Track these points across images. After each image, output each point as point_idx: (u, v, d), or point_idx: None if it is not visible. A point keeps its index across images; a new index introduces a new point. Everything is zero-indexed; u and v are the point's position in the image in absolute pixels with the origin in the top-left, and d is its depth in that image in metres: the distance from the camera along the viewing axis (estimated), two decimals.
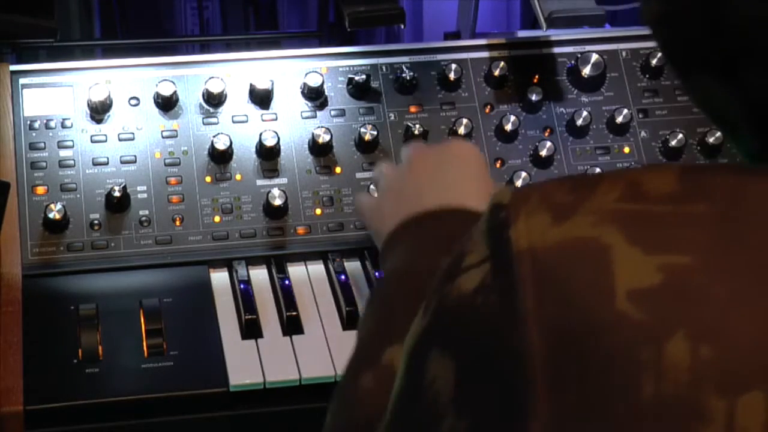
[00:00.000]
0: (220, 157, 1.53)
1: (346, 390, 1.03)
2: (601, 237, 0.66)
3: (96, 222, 1.48)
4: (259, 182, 1.53)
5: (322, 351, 1.38)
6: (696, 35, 0.72)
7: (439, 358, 0.71)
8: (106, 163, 1.52)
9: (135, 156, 1.53)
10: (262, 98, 1.58)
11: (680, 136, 1.62)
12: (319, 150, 1.55)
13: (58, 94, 1.56)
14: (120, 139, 1.53)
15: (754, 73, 0.70)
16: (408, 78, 1.61)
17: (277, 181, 1.54)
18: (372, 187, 1.51)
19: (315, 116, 1.59)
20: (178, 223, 1.49)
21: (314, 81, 1.58)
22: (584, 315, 0.65)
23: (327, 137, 1.55)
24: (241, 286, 1.44)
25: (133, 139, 1.54)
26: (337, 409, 1.03)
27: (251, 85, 1.58)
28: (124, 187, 1.48)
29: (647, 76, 1.68)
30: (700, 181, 0.68)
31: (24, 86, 1.56)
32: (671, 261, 0.64)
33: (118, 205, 1.48)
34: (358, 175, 1.56)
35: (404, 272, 1.14)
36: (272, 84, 1.59)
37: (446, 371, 0.71)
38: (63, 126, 1.53)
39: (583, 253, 0.66)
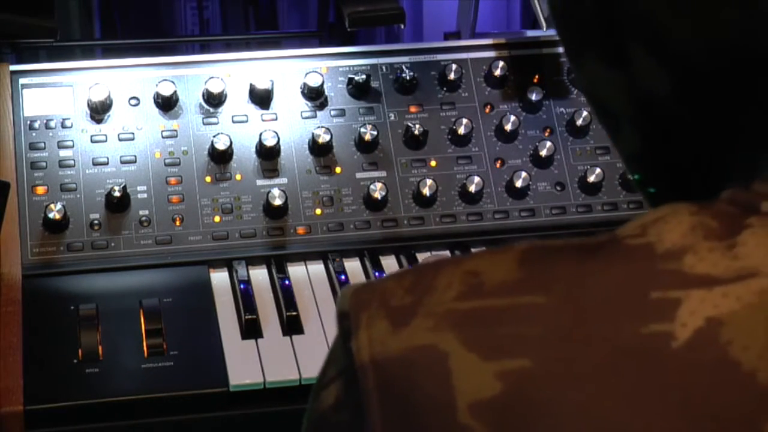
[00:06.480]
0: (220, 157, 1.53)
1: None
2: (439, 344, 0.63)
3: (96, 222, 1.48)
4: (259, 182, 1.53)
5: (322, 351, 1.37)
6: (589, 13, 0.69)
7: None
8: (106, 163, 1.52)
9: (135, 156, 1.53)
10: (262, 98, 1.58)
11: None
12: (319, 150, 1.55)
13: (58, 94, 1.56)
14: (120, 139, 1.53)
15: (645, 63, 0.66)
16: (408, 78, 1.61)
17: (277, 181, 1.54)
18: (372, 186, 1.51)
19: (315, 116, 1.59)
20: (178, 223, 1.49)
21: (314, 81, 1.58)
22: (429, 431, 0.63)
23: (327, 137, 1.55)
24: (241, 286, 1.44)
25: (133, 139, 1.54)
26: None
27: (251, 85, 1.58)
28: (124, 187, 1.48)
29: None
30: (540, 269, 0.64)
31: (24, 86, 1.56)
32: (508, 367, 0.61)
33: (118, 205, 1.48)
34: (358, 175, 1.56)
35: None
36: (272, 84, 1.59)
37: None
38: (63, 126, 1.53)
39: (423, 363, 0.64)
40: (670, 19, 0.64)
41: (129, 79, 1.58)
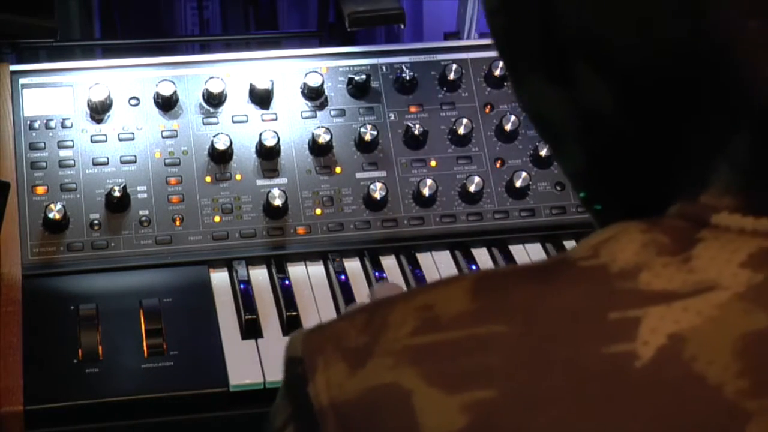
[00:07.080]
0: (220, 157, 1.53)
1: None
2: (400, 381, 0.62)
3: (96, 222, 1.48)
4: (259, 182, 1.53)
5: None
6: (532, 30, 0.67)
7: None
8: (106, 163, 1.52)
9: (135, 156, 1.53)
10: (262, 98, 1.58)
11: None
12: (319, 150, 1.55)
13: (58, 94, 1.56)
14: (120, 139, 1.54)
15: (589, 79, 0.65)
16: (408, 78, 1.61)
17: (277, 181, 1.54)
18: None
19: (315, 116, 1.59)
20: (178, 223, 1.49)
21: (314, 81, 1.59)
22: None
23: (327, 137, 1.55)
24: (241, 286, 1.44)
25: (133, 139, 1.54)
26: None
27: (251, 85, 1.58)
28: (124, 187, 1.48)
29: None
30: (495, 298, 0.63)
31: (24, 86, 1.56)
32: (474, 398, 0.60)
33: (118, 205, 1.48)
34: (358, 175, 1.56)
35: None
36: (272, 84, 1.59)
37: None
38: (63, 126, 1.53)
39: (384, 402, 0.62)
40: (617, 33, 0.63)
41: (129, 79, 1.58)
